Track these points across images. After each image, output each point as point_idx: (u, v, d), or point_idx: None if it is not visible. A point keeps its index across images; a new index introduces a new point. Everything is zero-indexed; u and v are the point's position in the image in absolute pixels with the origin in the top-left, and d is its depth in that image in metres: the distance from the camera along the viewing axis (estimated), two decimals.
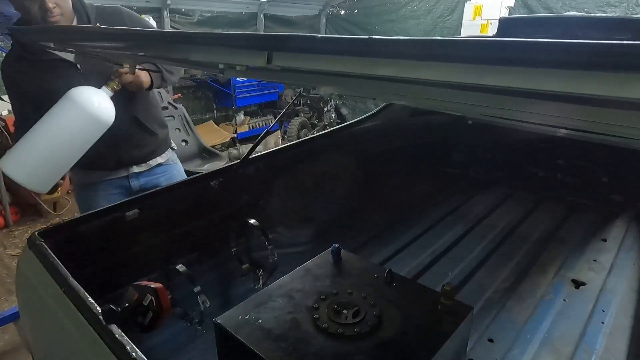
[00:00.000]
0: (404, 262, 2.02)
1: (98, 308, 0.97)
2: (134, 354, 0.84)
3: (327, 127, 5.69)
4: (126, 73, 1.55)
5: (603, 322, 1.59)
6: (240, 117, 6.44)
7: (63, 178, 1.63)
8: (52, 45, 1.25)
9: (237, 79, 5.79)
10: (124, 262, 1.42)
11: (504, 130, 2.60)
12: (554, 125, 2.01)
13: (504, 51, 0.42)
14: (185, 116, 4.89)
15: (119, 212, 1.41)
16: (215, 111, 6.59)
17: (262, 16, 6.78)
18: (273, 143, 5.72)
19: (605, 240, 2.18)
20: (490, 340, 1.52)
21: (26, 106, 1.63)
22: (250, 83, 6.18)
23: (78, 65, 1.58)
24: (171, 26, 5.73)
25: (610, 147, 2.13)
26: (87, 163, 1.68)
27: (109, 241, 1.40)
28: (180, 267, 1.45)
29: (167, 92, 4.91)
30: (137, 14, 1.81)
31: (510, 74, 0.43)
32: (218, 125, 6.31)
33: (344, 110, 6.99)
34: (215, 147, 5.80)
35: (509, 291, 1.80)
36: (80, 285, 1.05)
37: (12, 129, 3.98)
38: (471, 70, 0.45)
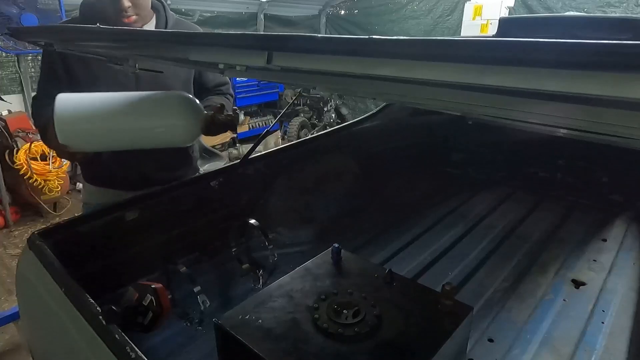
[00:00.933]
0: (404, 262, 2.02)
1: (98, 308, 0.97)
2: (133, 354, 0.84)
3: (327, 127, 5.69)
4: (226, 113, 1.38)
5: (603, 322, 1.59)
6: (240, 117, 6.45)
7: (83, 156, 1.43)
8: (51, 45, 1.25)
9: (237, 79, 5.78)
10: (124, 262, 1.42)
11: (504, 130, 2.60)
12: (554, 125, 2.01)
13: (504, 51, 0.42)
14: None
15: (119, 212, 1.41)
16: None
17: (262, 16, 6.78)
18: (273, 143, 5.71)
19: (605, 240, 2.18)
20: (490, 340, 1.52)
21: (59, 84, 1.44)
22: (250, 83, 6.18)
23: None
24: None
25: (610, 147, 2.12)
26: (106, 180, 1.63)
27: (109, 241, 1.39)
28: (180, 267, 1.46)
29: None
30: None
31: (510, 74, 0.43)
32: None
33: (344, 110, 7.00)
34: (215, 147, 5.80)
35: (509, 291, 1.80)
36: (80, 285, 1.05)
37: (12, 128, 3.98)
38: (471, 70, 0.45)
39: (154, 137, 1.31)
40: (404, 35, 0.54)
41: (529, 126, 2.34)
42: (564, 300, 1.73)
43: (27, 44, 3.37)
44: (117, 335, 0.88)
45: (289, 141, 5.33)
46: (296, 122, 6.22)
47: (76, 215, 1.50)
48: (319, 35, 0.55)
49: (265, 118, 6.77)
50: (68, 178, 4.40)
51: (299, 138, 5.71)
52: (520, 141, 2.66)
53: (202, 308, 1.41)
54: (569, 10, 5.02)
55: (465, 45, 0.45)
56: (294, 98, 3.31)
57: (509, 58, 0.42)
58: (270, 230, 1.92)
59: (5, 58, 4.43)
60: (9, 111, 4.37)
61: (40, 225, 3.72)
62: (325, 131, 2.42)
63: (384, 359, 0.95)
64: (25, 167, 3.81)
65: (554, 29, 2.13)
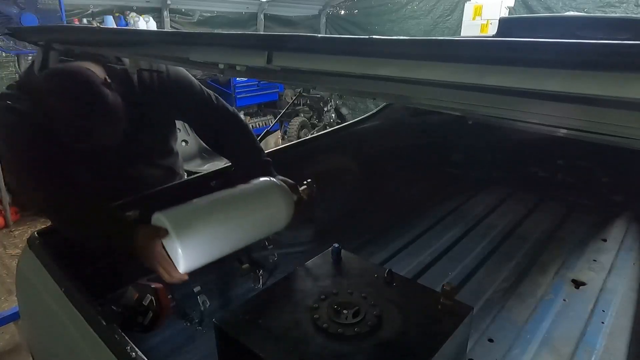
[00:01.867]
0: (404, 262, 2.02)
1: (98, 308, 0.97)
2: (133, 354, 0.84)
3: (327, 127, 5.69)
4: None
5: (603, 322, 1.59)
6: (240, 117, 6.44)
7: None
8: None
9: (237, 79, 5.79)
10: (124, 262, 1.42)
11: (504, 130, 2.60)
12: (554, 125, 2.01)
13: (504, 51, 0.42)
14: None
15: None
16: None
17: (262, 16, 6.78)
18: (273, 143, 5.71)
19: (605, 240, 2.18)
20: (490, 340, 1.52)
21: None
22: (250, 83, 6.18)
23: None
24: (171, 26, 5.74)
25: (610, 147, 2.12)
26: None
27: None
28: None
29: None
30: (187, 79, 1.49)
31: (510, 74, 0.43)
32: None
33: (344, 110, 7.00)
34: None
35: (509, 291, 1.80)
36: (80, 285, 1.05)
37: None
38: (471, 70, 0.45)
39: (259, 231, 1.27)
40: (404, 35, 0.54)
41: (529, 126, 2.34)
42: (564, 300, 1.73)
43: (27, 44, 3.36)
44: (117, 335, 0.88)
45: (289, 141, 5.33)
46: (296, 122, 6.22)
47: None
48: (319, 35, 0.55)
49: (265, 118, 6.76)
50: None
51: (299, 138, 5.71)
52: (520, 141, 2.66)
53: (202, 308, 1.41)
54: (569, 10, 5.02)
55: (465, 45, 0.45)
56: (294, 98, 3.32)
57: (509, 58, 0.42)
58: None
59: (5, 58, 4.43)
60: None
61: (40, 225, 3.71)
62: (325, 131, 2.41)
63: (384, 359, 0.95)
64: None
65: (554, 29, 2.13)
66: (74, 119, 1.10)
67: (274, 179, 1.30)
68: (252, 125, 6.51)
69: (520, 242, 2.20)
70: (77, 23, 4.79)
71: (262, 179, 1.30)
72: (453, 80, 0.47)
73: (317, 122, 6.65)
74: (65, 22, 3.92)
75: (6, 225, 3.93)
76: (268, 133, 2.14)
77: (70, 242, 1.28)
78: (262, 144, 2.00)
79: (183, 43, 0.80)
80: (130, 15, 5.26)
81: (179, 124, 1.73)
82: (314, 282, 1.18)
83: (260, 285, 1.57)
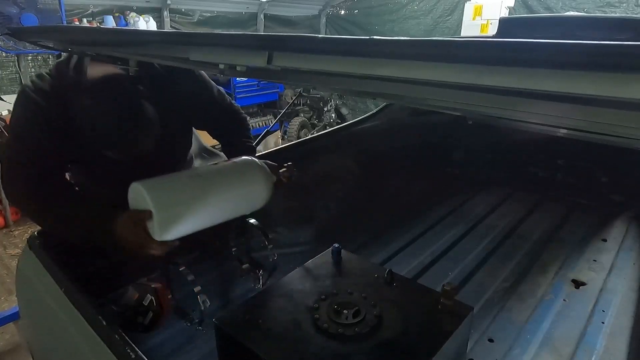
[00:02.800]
0: (404, 262, 2.02)
1: (98, 308, 0.97)
2: (133, 354, 0.84)
3: (327, 127, 5.69)
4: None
5: (603, 322, 1.59)
6: None
7: None
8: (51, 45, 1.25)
9: (237, 79, 5.78)
10: (124, 262, 1.42)
11: (504, 130, 2.61)
12: (554, 125, 2.01)
13: (504, 51, 0.42)
14: None
15: None
16: None
17: (262, 16, 6.78)
18: (273, 143, 5.71)
19: (605, 240, 2.18)
20: (490, 340, 1.52)
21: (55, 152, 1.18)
22: (250, 83, 6.18)
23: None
24: (171, 26, 5.74)
25: (610, 147, 2.12)
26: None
27: None
28: (180, 267, 1.45)
29: None
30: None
31: (510, 74, 0.43)
32: None
33: (344, 110, 7.00)
34: (215, 147, 5.79)
35: (509, 291, 1.80)
36: (80, 285, 1.05)
37: None
38: (471, 70, 0.45)
39: (237, 208, 1.27)
40: (404, 35, 0.54)
41: (529, 126, 2.35)
42: (564, 300, 1.73)
43: (27, 44, 3.36)
44: (117, 335, 0.88)
45: (289, 141, 5.33)
46: (296, 122, 6.22)
47: None
48: (319, 35, 0.55)
49: (265, 118, 6.76)
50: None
51: (299, 138, 5.71)
52: (520, 141, 2.66)
53: (202, 308, 1.41)
54: (569, 10, 5.02)
55: (465, 45, 0.45)
56: (294, 98, 3.32)
57: (509, 58, 0.42)
58: (270, 230, 1.92)
59: (5, 58, 4.43)
60: (9, 111, 4.36)
61: None
62: (325, 131, 2.41)
63: (384, 359, 0.95)
64: None
65: (554, 29, 2.13)
66: (116, 130, 1.10)
67: (255, 159, 1.32)
68: (252, 125, 6.51)
69: (520, 242, 2.20)
70: (77, 23, 4.79)
71: (243, 157, 1.32)
72: (453, 80, 0.47)
73: (317, 122, 6.65)
74: (65, 22, 3.92)
75: (6, 225, 3.93)
76: (268, 133, 2.13)
77: (70, 242, 1.28)
78: (262, 144, 2.00)
79: (183, 43, 0.80)
80: (130, 15, 5.27)
81: None
82: (314, 282, 1.18)
83: (260, 285, 1.57)
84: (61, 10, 3.84)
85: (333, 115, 6.73)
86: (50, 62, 4.54)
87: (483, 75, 0.44)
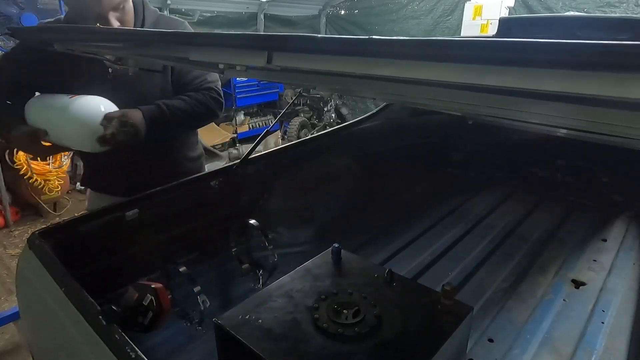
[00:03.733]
0: (404, 262, 2.02)
1: (98, 308, 0.97)
2: (133, 354, 0.84)
3: (327, 127, 5.69)
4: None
5: (603, 322, 1.59)
6: (240, 117, 6.45)
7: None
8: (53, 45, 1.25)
9: (237, 79, 5.79)
10: (124, 262, 1.42)
11: (504, 130, 2.61)
12: (554, 125, 2.01)
13: (504, 51, 0.42)
14: None
15: (119, 212, 1.41)
16: None
17: (262, 16, 6.78)
18: (273, 143, 5.72)
19: (605, 240, 2.18)
20: (490, 340, 1.52)
21: (15, 94, 1.48)
22: (250, 83, 6.19)
23: (109, 70, 1.44)
24: None
25: (610, 147, 2.12)
26: (107, 187, 1.62)
27: (109, 241, 1.39)
28: (180, 267, 1.45)
29: None
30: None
31: (510, 74, 0.43)
32: (218, 125, 6.32)
33: (344, 110, 7.00)
34: (215, 147, 5.80)
35: (509, 291, 1.80)
36: (80, 285, 1.05)
37: None
38: (471, 70, 0.45)
39: (60, 136, 1.41)
40: (404, 35, 0.54)
41: (529, 126, 2.35)
42: (564, 300, 1.73)
43: None
44: (117, 335, 0.88)
45: (289, 141, 5.33)
46: (296, 122, 6.22)
47: (76, 215, 1.49)
48: (319, 35, 0.55)
49: (265, 118, 6.77)
50: (68, 178, 4.40)
51: (299, 138, 5.71)
52: (520, 141, 2.66)
53: (202, 308, 1.41)
54: (569, 10, 5.02)
55: (465, 45, 0.45)
56: (294, 98, 3.31)
57: (509, 58, 0.42)
58: (270, 230, 1.92)
59: None
60: None
61: (40, 225, 3.72)
62: (325, 131, 2.41)
63: (384, 359, 0.95)
64: (25, 167, 3.81)
65: (554, 29, 2.13)
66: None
67: (103, 102, 1.36)
68: (252, 125, 6.52)
69: (520, 242, 2.20)
70: None
71: (100, 98, 1.38)
72: (453, 80, 0.47)
73: (317, 122, 6.66)
74: None
75: (6, 225, 3.94)
76: (268, 133, 2.13)
77: (70, 242, 1.29)
78: (262, 144, 2.00)
79: (183, 43, 0.80)
80: None
81: None
82: (313, 282, 1.18)
83: (260, 285, 1.57)
84: (61, 11, 3.84)
85: (333, 115, 6.74)
86: None
87: (483, 75, 0.44)
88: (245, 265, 1.61)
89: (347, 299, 1.08)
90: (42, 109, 1.43)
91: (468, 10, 5.42)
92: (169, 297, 1.11)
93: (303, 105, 6.68)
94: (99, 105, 1.35)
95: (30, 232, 1.64)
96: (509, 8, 5.23)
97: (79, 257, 1.28)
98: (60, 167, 4.06)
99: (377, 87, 0.79)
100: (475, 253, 2.09)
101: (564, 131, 2.29)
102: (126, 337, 0.88)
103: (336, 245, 1.28)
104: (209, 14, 6.29)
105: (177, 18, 1.71)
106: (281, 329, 1.01)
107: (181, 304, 1.40)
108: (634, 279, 1.86)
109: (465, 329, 1.07)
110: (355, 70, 0.55)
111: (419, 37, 0.48)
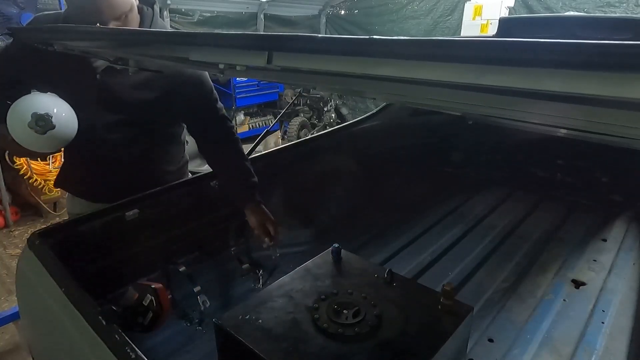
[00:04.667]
0: (404, 262, 2.02)
1: (98, 308, 0.97)
2: (133, 354, 0.84)
3: (327, 127, 5.69)
4: None
5: (603, 322, 1.59)
6: (240, 117, 6.44)
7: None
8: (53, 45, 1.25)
9: (237, 79, 5.78)
10: (124, 262, 1.42)
11: (504, 130, 2.60)
12: (554, 125, 2.01)
13: (504, 51, 0.42)
14: None
15: (119, 212, 1.40)
16: None
17: (262, 16, 6.78)
18: (273, 143, 5.71)
19: (605, 240, 2.18)
20: (490, 340, 1.52)
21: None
22: (250, 83, 6.18)
23: (97, 76, 1.39)
24: (171, 26, 5.74)
25: (610, 147, 2.13)
26: (81, 192, 1.57)
27: (109, 241, 1.39)
28: (180, 267, 1.45)
29: None
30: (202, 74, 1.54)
31: (510, 74, 0.43)
32: None
33: (344, 110, 7.00)
34: None
35: (509, 291, 1.80)
36: (80, 285, 1.05)
37: None
38: (471, 70, 0.45)
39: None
40: (404, 35, 0.54)
41: (529, 126, 2.35)
42: (564, 300, 1.73)
43: None
44: (117, 335, 0.88)
45: (289, 141, 5.33)
46: (296, 122, 6.22)
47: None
48: (319, 35, 0.55)
49: (265, 118, 6.76)
50: None
51: (299, 138, 5.71)
52: (520, 141, 2.66)
53: (202, 308, 1.41)
54: (569, 10, 5.02)
55: (465, 45, 0.44)
56: (294, 98, 3.31)
57: (509, 58, 0.42)
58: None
59: None
60: None
61: (40, 225, 3.72)
62: (325, 131, 2.41)
63: (384, 359, 0.95)
64: (25, 167, 3.81)
65: (554, 29, 2.13)
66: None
67: (43, 100, 1.31)
68: (252, 125, 6.52)
69: (520, 242, 2.20)
70: None
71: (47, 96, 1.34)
72: (453, 80, 0.47)
73: (317, 122, 6.65)
74: None
75: (6, 225, 3.93)
76: (268, 133, 2.13)
77: (70, 242, 1.28)
78: (262, 144, 2.00)
79: (183, 43, 0.80)
80: None
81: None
82: (314, 282, 1.18)
83: (260, 285, 1.57)
84: (61, 7, 3.84)
85: (333, 115, 6.74)
86: None
87: (483, 75, 0.44)
88: (245, 265, 1.61)
89: (347, 299, 1.08)
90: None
91: (468, 10, 5.42)
92: (169, 297, 1.11)
93: (303, 105, 6.68)
94: (34, 105, 1.28)
95: (30, 232, 1.63)
96: (509, 8, 5.23)
97: (79, 257, 1.28)
98: (60, 167, 4.06)
99: (377, 87, 0.79)
100: (475, 253, 2.09)
101: (564, 131, 2.29)
102: (126, 337, 0.88)
103: (336, 245, 1.29)
104: (209, 14, 6.28)
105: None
106: (281, 329, 1.01)
107: (181, 304, 1.40)
108: (634, 279, 1.86)
109: (465, 329, 1.07)
110: (356, 70, 0.55)
111: (419, 37, 0.48)
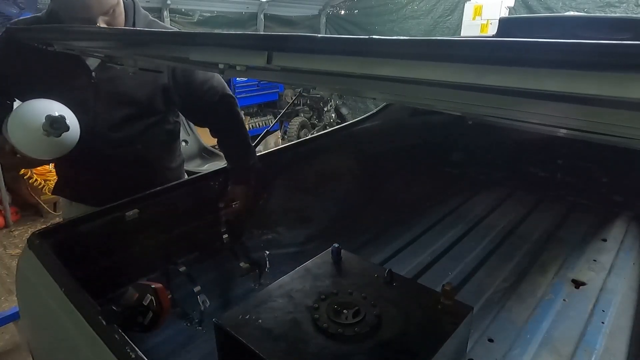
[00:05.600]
0: (404, 262, 2.02)
1: (98, 308, 0.97)
2: (133, 354, 0.84)
3: (327, 127, 5.69)
4: None
5: (603, 322, 1.59)
6: None
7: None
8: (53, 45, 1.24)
9: (237, 79, 5.78)
10: (124, 262, 1.42)
11: (504, 130, 2.60)
12: (554, 125, 2.01)
13: (504, 51, 0.42)
14: None
15: (119, 212, 1.40)
16: None
17: (262, 16, 6.78)
18: (273, 143, 5.71)
19: (605, 240, 2.18)
20: (490, 340, 1.52)
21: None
22: (250, 83, 6.18)
23: (93, 74, 1.38)
24: (171, 26, 5.74)
25: (610, 147, 2.13)
26: (82, 197, 1.57)
27: (109, 241, 1.39)
28: (180, 267, 1.46)
29: None
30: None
31: (510, 74, 0.43)
32: None
33: (344, 110, 7.00)
34: (216, 147, 5.79)
35: (509, 291, 1.80)
36: (80, 285, 1.05)
37: None
38: (471, 70, 0.45)
39: (14, 143, 1.30)
40: (404, 35, 0.54)
41: (529, 126, 2.34)
42: (564, 300, 1.73)
43: None
44: (117, 335, 0.88)
45: (289, 141, 5.33)
46: (296, 122, 6.22)
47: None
48: (319, 35, 0.55)
49: (265, 118, 6.76)
50: None
51: (299, 138, 5.71)
52: (520, 141, 2.66)
53: (202, 308, 1.41)
54: (569, 10, 5.02)
55: (465, 45, 0.44)
56: (294, 98, 3.32)
57: (509, 58, 0.42)
58: (270, 230, 1.93)
59: None
60: None
61: (40, 225, 3.72)
62: (325, 131, 2.41)
63: (384, 359, 0.95)
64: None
65: (554, 29, 2.13)
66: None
67: (49, 105, 1.29)
68: (252, 125, 6.52)
69: (520, 242, 2.20)
70: None
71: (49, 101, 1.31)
72: (453, 80, 0.47)
73: (317, 122, 6.66)
74: None
75: (6, 225, 3.93)
76: (268, 133, 2.14)
77: (70, 242, 1.28)
78: (262, 144, 2.00)
79: (183, 43, 0.80)
80: None
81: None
82: (313, 282, 1.18)
83: (260, 285, 1.57)
84: None
85: (333, 115, 6.74)
86: None
87: (483, 75, 0.44)
88: (246, 266, 1.61)
89: (347, 299, 1.08)
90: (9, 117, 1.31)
91: (468, 10, 5.43)
92: (169, 297, 1.11)
93: (303, 105, 6.68)
94: (44, 109, 1.26)
95: (30, 232, 1.63)
96: (509, 8, 5.23)
97: (79, 257, 1.28)
98: None
99: (377, 87, 0.79)
100: (475, 253, 2.09)
101: (564, 131, 2.29)
102: (126, 337, 0.88)
103: (336, 245, 1.29)
104: (209, 14, 6.28)
105: (168, 25, 1.68)
106: (281, 329, 1.01)
107: (181, 304, 1.40)
108: (634, 279, 1.86)
109: (465, 329, 1.07)
110: (355, 70, 0.55)
111: (419, 37, 0.48)
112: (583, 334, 1.54)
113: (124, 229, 1.41)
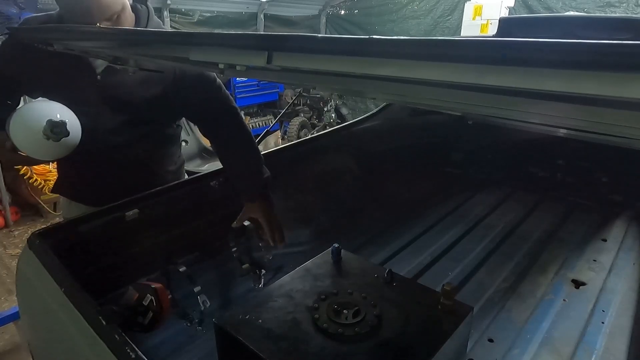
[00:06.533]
0: (404, 262, 2.02)
1: (98, 308, 0.97)
2: (133, 354, 0.84)
3: (327, 127, 5.69)
4: None
5: (603, 322, 1.59)
6: None
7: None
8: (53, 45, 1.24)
9: (237, 79, 5.79)
10: (124, 262, 1.42)
11: (504, 130, 2.61)
12: (554, 125, 2.01)
13: (504, 51, 0.42)
14: None
15: (119, 212, 1.40)
16: None
17: (262, 16, 6.79)
18: (273, 143, 5.71)
19: (605, 240, 2.18)
20: (490, 340, 1.52)
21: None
22: (250, 83, 6.18)
23: (98, 77, 1.37)
24: (171, 26, 5.74)
25: (610, 147, 2.13)
26: (81, 197, 1.57)
27: (109, 241, 1.39)
28: (180, 267, 1.45)
29: None
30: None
31: (510, 74, 0.43)
32: None
33: (344, 110, 7.00)
34: None
35: (509, 291, 1.80)
36: (80, 285, 1.05)
37: None
38: (471, 70, 0.45)
39: (16, 144, 1.30)
40: (404, 35, 0.54)
41: (529, 126, 2.35)
42: (564, 300, 1.73)
43: None
44: (117, 335, 0.88)
45: (289, 141, 5.33)
46: (296, 122, 6.22)
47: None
48: (319, 35, 0.55)
49: (265, 118, 6.77)
50: None
51: (299, 138, 5.71)
52: (520, 141, 2.66)
53: (202, 308, 1.41)
54: (569, 10, 5.02)
55: (465, 45, 0.44)
56: (294, 98, 3.32)
57: (509, 58, 0.42)
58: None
59: None
60: None
61: (40, 225, 3.72)
62: (325, 131, 2.41)
63: (384, 359, 0.95)
64: (25, 167, 3.81)
65: (554, 29, 2.13)
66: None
67: (52, 108, 1.28)
68: (252, 125, 6.52)
69: (520, 242, 2.20)
70: None
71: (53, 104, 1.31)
72: (453, 80, 0.47)
73: (317, 122, 6.66)
74: None
75: (6, 225, 3.93)
76: (268, 133, 2.14)
77: (70, 242, 1.28)
78: (262, 144, 2.00)
79: (183, 43, 0.80)
80: None
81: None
82: (313, 282, 1.18)
83: (260, 285, 1.57)
84: None
85: (333, 115, 6.74)
86: None
87: (483, 75, 0.44)
88: (245, 265, 1.61)
89: (347, 299, 1.08)
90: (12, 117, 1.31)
91: (468, 10, 5.43)
92: (169, 297, 1.11)
93: (303, 105, 6.68)
94: (46, 112, 1.25)
95: (30, 232, 1.63)
96: (509, 8, 5.23)
97: (79, 257, 1.28)
98: None
99: (377, 87, 0.79)
100: (475, 253, 2.09)
101: (564, 131, 2.29)
102: (126, 337, 0.88)
103: (336, 245, 1.29)
104: (209, 14, 6.28)
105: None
106: (281, 329, 1.01)
107: (181, 304, 1.40)
108: (634, 279, 1.86)
109: (465, 329, 1.07)
110: (356, 70, 0.55)
111: (419, 37, 0.48)
112: (583, 334, 1.54)
113: (124, 229, 1.41)
